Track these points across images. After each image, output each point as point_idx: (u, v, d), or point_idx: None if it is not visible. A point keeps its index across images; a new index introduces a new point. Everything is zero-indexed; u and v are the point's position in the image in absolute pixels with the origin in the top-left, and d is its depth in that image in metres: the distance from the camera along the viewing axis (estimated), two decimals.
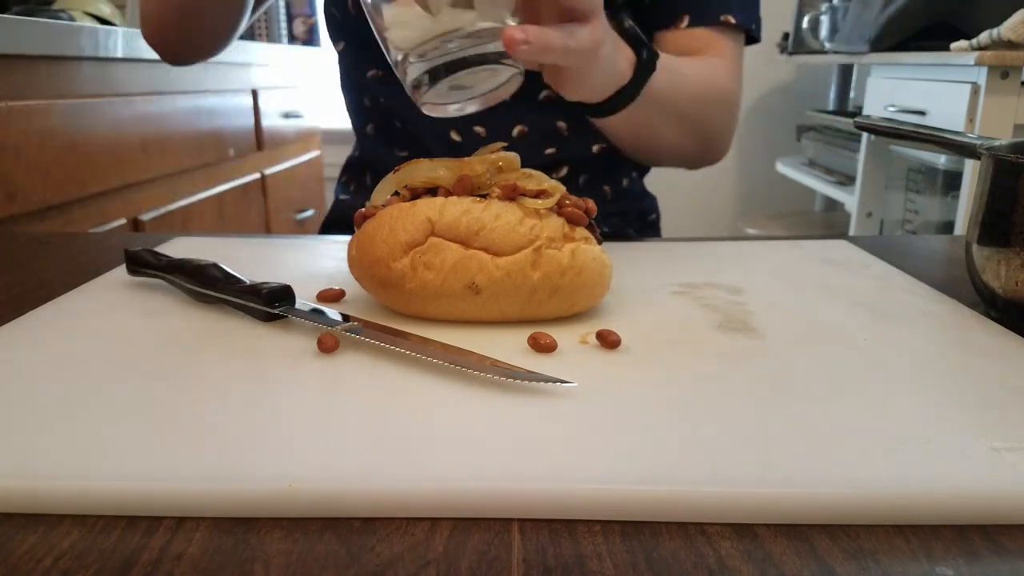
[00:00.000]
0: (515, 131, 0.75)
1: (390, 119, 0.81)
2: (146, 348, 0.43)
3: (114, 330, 0.46)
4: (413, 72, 0.46)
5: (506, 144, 0.49)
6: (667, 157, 0.79)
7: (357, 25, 0.76)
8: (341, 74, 0.84)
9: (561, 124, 0.76)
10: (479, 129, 0.75)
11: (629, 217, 0.86)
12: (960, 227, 1.66)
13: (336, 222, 0.88)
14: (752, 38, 0.78)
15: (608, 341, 0.42)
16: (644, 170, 0.90)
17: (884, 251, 0.64)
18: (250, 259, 0.62)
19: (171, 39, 0.78)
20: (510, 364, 0.38)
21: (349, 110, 0.86)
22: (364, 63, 0.79)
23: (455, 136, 0.75)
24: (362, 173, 0.87)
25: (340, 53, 0.81)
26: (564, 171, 0.49)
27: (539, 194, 0.46)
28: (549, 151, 0.76)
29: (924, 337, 0.45)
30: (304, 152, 2.38)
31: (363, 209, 0.49)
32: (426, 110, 0.48)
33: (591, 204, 0.48)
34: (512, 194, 0.45)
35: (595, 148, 0.78)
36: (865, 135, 2.01)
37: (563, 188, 0.47)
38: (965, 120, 1.54)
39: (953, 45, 1.62)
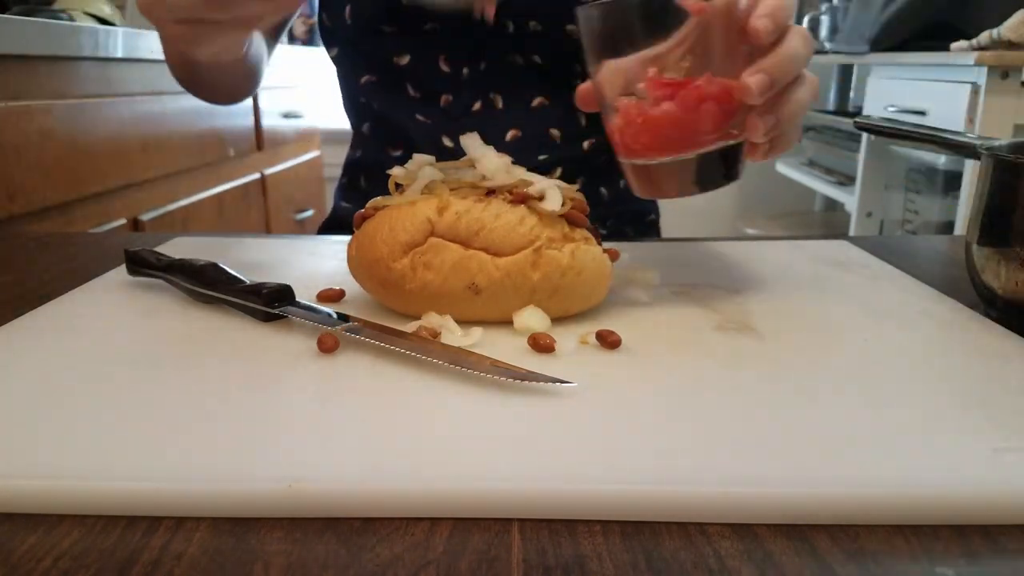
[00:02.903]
0: (508, 135, 0.75)
1: (385, 119, 0.81)
2: (146, 348, 0.43)
3: (114, 330, 0.46)
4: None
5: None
6: None
7: (349, 32, 0.76)
8: (337, 75, 0.85)
9: (554, 131, 0.76)
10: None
11: (627, 217, 0.86)
12: (960, 227, 1.66)
13: (335, 226, 0.88)
14: None
15: (608, 341, 0.42)
16: None
17: (884, 251, 0.64)
18: (250, 259, 0.62)
19: (198, 94, 0.82)
20: (510, 364, 0.38)
21: (347, 110, 0.86)
22: (358, 69, 0.79)
23: (447, 142, 0.75)
24: (360, 176, 0.87)
25: (333, 58, 0.82)
26: (559, 173, 0.49)
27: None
28: (542, 156, 0.76)
29: (924, 337, 0.45)
30: (304, 152, 2.38)
31: (362, 211, 0.49)
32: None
33: (582, 202, 0.48)
34: (521, 200, 0.45)
35: (585, 145, 0.78)
36: (865, 135, 2.01)
37: (575, 191, 0.48)
38: (965, 120, 1.54)
39: (953, 45, 1.62)
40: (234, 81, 0.80)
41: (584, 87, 0.49)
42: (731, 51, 0.43)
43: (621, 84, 0.45)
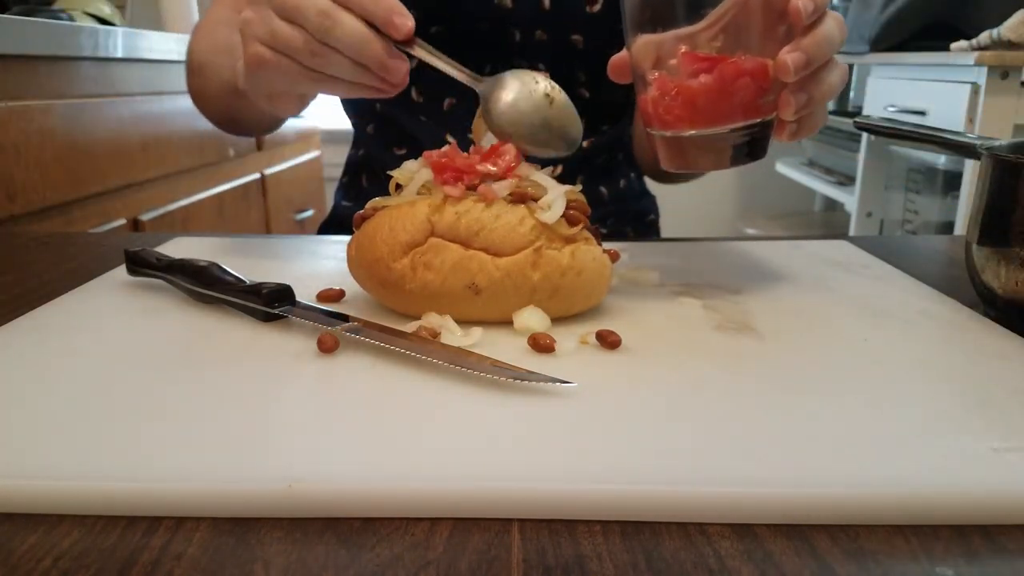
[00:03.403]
0: None
1: (389, 120, 0.81)
2: (146, 348, 0.43)
3: (114, 330, 0.46)
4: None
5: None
6: (686, 179, 0.80)
7: None
8: None
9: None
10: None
11: (627, 217, 0.86)
12: (960, 227, 1.66)
13: (335, 225, 0.88)
14: None
15: (608, 341, 0.42)
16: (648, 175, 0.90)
17: (884, 251, 0.64)
18: (250, 259, 0.62)
19: (219, 124, 0.81)
20: (510, 364, 0.38)
21: (347, 111, 0.86)
22: None
23: (451, 140, 0.76)
24: (362, 175, 0.87)
25: None
26: (559, 171, 0.49)
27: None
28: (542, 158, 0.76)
29: (924, 337, 0.45)
30: (304, 152, 2.38)
31: (362, 211, 0.49)
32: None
33: (582, 202, 0.48)
34: (522, 200, 0.45)
35: (585, 144, 0.78)
36: (865, 135, 2.01)
37: (577, 192, 0.48)
38: (965, 120, 1.54)
39: (953, 45, 1.62)
40: (268, 125, 0.80)
41: (618, 57, 0.49)
42: (767, 32, 0.44)
43: (655, 58, 0.46)
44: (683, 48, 0.44)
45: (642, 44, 0.46)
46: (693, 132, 0.46)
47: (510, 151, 0.48)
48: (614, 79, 0.50)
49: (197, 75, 0.75)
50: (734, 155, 0.46)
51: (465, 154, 0.48)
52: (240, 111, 0.72)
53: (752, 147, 0.47)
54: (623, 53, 0.49)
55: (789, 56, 0.43)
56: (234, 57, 0.61)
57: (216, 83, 0.71)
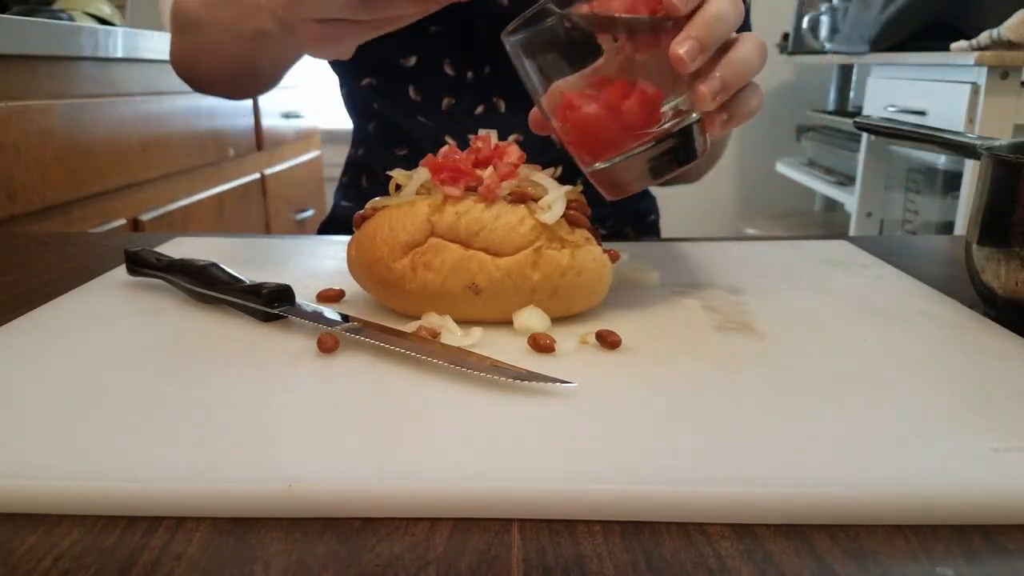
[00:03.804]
0: (510, 138, 0.75)
1: (387, 120, 0.81)
2: (146, 348, 0.43)
3: (114, 330, 0.46)
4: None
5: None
6: (683, 182, 0.80)
7: None
8: (337, 77, 0.85)
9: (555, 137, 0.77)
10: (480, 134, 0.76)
11: (627, 217, 0.86)
12: (960, 227, 1.66)
13: (335, 225, 0.88)
14: None
15: (608, 341, 0.42)
16: None
17: (884, 251, 0.64)
18: (250, 259, 0.62)
19: (206, 85, 0.77)
20: (510, 364, 0.38)
21: (349, 111, 0.86)
22: (357, 73, 0.79)
23: (451, 142, 0.76)
24: (362, 174, 0.87)
25: (331, 62, 0.81)
26: (558, 171, 0.49)
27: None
28: (543, 159, 0.76)
29: (924, 337, 0.45)
30: (304, 152, 2.38)
31: (362, 211, 0.49)
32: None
33: (583, 203, 0.48)
34: (522, 200, 0.45)
35: None
36: (865, 135, 2.01)
37: (577, 192, 0.48)
38: (965, 120, 1.54)
39: (953, 45, 1.62)
40: (277, 77, 0.76)
41: (533, 113, 0.48)
42: (658, 35, 0.43)
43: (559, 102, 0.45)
44: (561, 91, 0.44)
45: (549, 95, 0.45)
46: (604, 164, 0.46)
47: (514, 152, 0.48)
48: (536, 132, 0.49)
49: (191, 36, 0.71)
50: (661, 167, 0.45)
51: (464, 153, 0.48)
52: (256, 62, 0.67)
53: (681, 153, 0.45)
54: (535, 109, 0.48)
55: (680, 48, 0.40)
56: (238, 4, 0.59)
57: (217, 39, 0.66)
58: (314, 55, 0.54)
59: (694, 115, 0.45)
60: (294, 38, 0.51)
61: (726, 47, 0.43)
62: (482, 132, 0.50)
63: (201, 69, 0.74)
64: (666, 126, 0.44)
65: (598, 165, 0.46)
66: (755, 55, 0.44)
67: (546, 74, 0.45)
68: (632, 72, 0.43)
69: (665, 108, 0.44)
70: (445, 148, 0.48)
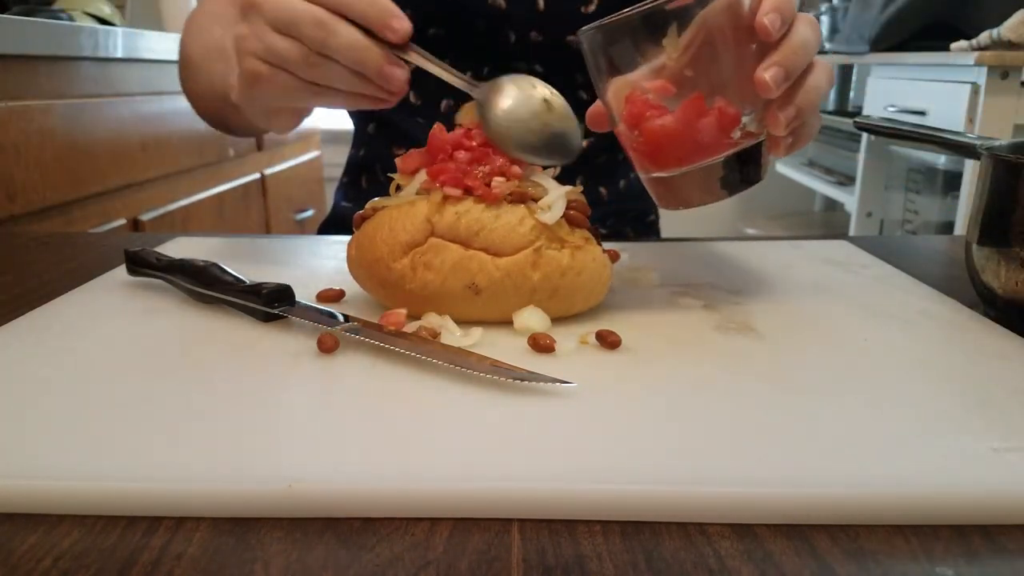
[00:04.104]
0: None
1: (389, 121, 0.81)
2: (146, 348, 0.43)
3: (114, 330, 0.46)
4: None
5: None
6: None
7: None
8: None
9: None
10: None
11: (627, 217, 0.86)
12: (960, 227, 1.66)
13: (335, 225, 0.88)
14: None
15: (608, 341, 0.42)
16: None
17: (884, 251, 0.64)
18: (250, 259, 0.62)
19: (217, 126, 0.79)
20: (510, 364, 0.38)
21: (349, 113, 0.86)
22: None
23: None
24: (362, 175, 0.87)
25: None
26: (558, 171, 0.49)
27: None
28: None
29: (924, 337, 0.45)
30: (304, 152, 2.38)
31: (362, 211, 0.49)
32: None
33: (583, 203, 0.48)
34: (522, 200, 0.45)
35: (584, 144, 0.78)
36: (865, 135, 2.01)
37: (578, 192, 0.48)
38: (965, 120, 1.54)
39: (953, 45, 1.62)
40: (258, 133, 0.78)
41: (594, 108, 0.48)
42: (739, 53, 0.43)
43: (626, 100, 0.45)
44: (637, 91, 0.44)
45: (614, 89, 0.45)
46: (672, 172, 0.45)
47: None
48: (593, 129, 0.49)
49: (188, 74, 0.74)
50: (725, 185, 0.45)
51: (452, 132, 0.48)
52: (230, 119, 0.70)
53: (745, 173, 0.45)
54: (597, 103, 0.48)
55: (766, 73, 0.42)
56: (226, 62, 0.59)
57: (207, 87, 0.69)
58: (254, 118, 0.54)
59: (762, 136, 0.45)
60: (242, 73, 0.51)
61: (802, 73, 0.44)
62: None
63: (197, 108, 0.75)
64: (736, 147, 0.44)
65: (659, 174, 0.46)
66: (825, 83, 0.45)
67: (616, 66, 0.44)
68: (705, 85, 0.43)
69: (741, 130, 0.44)
70: (435, 129, 0.48)
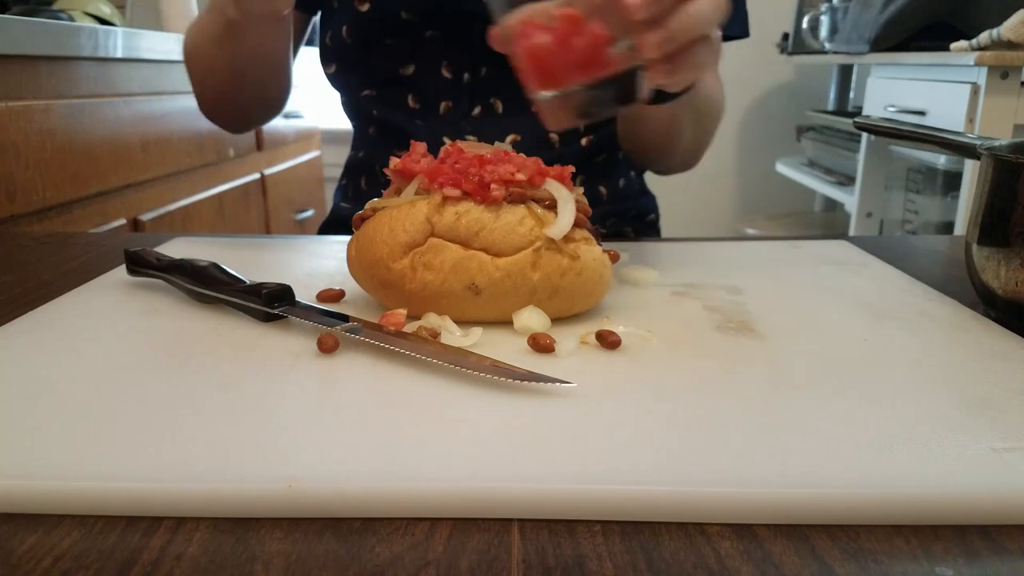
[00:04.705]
0: (508, 139, 0.76)
1: (387, 124, 0.81)
2: (146, 348, 0.43)
3: (114, 330, 0.46)
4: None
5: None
6: (671, 159, 0.79)
7: (349, 49, 0.77)
8: (336, 88, 0.85)
9: (553, 135, 0.77)
10: (471, 138, 0.76)
11: (627, 217, 0.86)
12: (960, 227, 1.65)
13: (334, 226, 0.88)
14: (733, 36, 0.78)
15: (608, 341, 0.42)
16: (643, 169, 0.90)
17: (884, 251, 0.64)
18: (250, 259, 0.62)
19: (225, 112, 0.82)
20: (510, 364, 0.38)
21: (349, 116, 0.86)
22: (356, 84, 0.80)
23: (447, 142, 0.77)
24: (361, 176, 0.87)
25: (330, 76, 0.82)
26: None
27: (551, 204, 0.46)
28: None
29: (924, 337, 0.45)
30: (304, 152, 2.38)
31: (361, 212, 0.49)
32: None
33: (584, 203, 0.48)
34: (521, 200, 0.45)
35: (584, 142, 0.78)
36: (865, 135, 2.01)
37: (579, 193, 0.47)
38: (965, 120, 1.54)
39: (953, 45, 1.62)
40: (274, 84, 0.80)
41: (493, 31, 0.48)
42: None
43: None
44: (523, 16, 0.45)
45: (518, 14, 0.46)
46: (548, 94, 0.46)
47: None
48: (495, 48, 0.49)
49: (192, 59, 0.76)
50: (600, 106, 0.47)
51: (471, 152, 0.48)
52: (240, 62, 0.72)
53: (619, 94, 0.47)
54: (496, 27, 0.48)
55: None
56: (213, 10, 0.63)
57: (211, 45, 0.72)
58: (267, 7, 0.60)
59: (640, 61, 0.45)
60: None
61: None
62: (499, 145, 0.50)
63: (207, 90, 0.78)
64: (613, 69, 0.45)
65: (542, 95, 0.47)
66: (709, 9, 0.43)
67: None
68: (592, 12, 0.44)
69: (616, 50, 0.44)
70: (446, 148, 0.49)
